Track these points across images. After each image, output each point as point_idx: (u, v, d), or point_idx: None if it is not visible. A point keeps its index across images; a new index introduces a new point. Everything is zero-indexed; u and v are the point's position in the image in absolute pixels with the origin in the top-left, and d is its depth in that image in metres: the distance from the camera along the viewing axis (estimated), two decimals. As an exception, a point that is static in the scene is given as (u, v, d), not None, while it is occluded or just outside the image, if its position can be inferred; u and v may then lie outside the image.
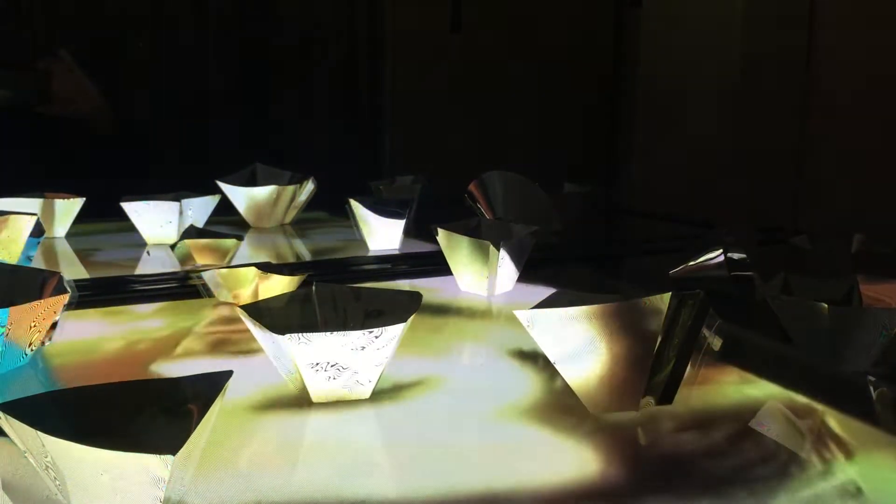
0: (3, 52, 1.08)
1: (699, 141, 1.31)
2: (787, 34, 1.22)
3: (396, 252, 0.92)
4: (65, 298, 0.53)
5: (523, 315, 0.47)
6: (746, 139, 1.24)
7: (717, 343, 0.62)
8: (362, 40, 1.38)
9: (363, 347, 0.48)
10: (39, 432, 0.35)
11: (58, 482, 0.36)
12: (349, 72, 1.39)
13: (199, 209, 0.97)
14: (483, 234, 0.74)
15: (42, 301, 0.52)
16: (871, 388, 0.54)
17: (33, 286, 0.56)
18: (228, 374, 0.40)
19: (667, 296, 0.46)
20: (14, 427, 0.36)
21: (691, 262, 0.75)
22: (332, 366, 0.48)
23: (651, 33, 1.43)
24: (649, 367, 0.47)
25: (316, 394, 0.49)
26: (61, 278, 0.56)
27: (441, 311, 0.71)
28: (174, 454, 0.33)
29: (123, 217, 0.94)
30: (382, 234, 0.91)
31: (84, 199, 0.98)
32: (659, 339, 0.47)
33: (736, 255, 0.73)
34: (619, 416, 0.48)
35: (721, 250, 0.71)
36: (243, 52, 1.29)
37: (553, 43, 1.43)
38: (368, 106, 1.39)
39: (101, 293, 0.72)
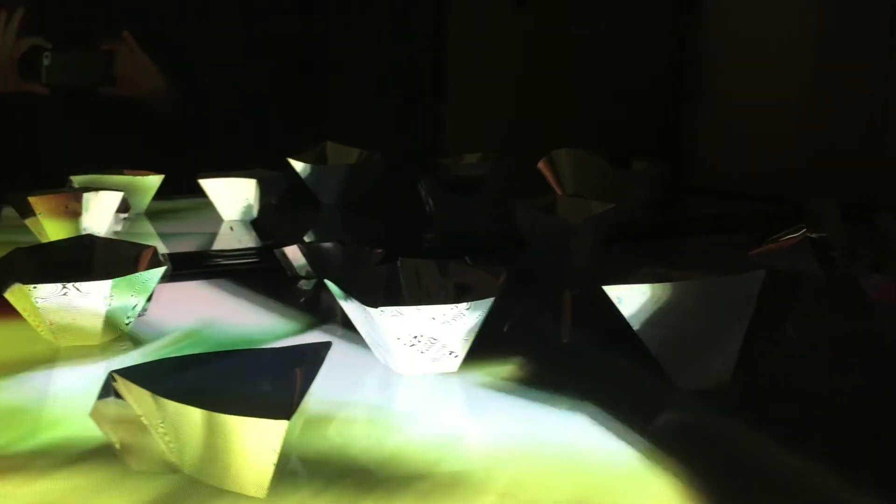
0: (68, 34, 1.10)
1: (770, 115, 1.29)
2: None
3: (469, 229, 0.92)
4: (161, 270, 0.55)
5: (613, 290, 0.47)
6: (821, 113, 1.21)
7: (795, 324, 0.61)
8: (426, 15, 1.38)
9: (453, 320, 0.49)
10: (156, 395, 0.36)
11: (172, 445, 0.37)
12: (414, 49, 1.39)
13: (272, 186, 0.98)
14: (560, 210, 0.74)
15: (141, 273, 0.54)
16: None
17: (129, 259, 0.58)
18: (328, 344, 0.42)
19: (760, 273, 0.46)
20: (130, 391, 0.37)
21: (772, 241, 0.74)
22: (421, 338, 0.49)
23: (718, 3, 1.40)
24: (739, 343, 0.47)
25: (405, 366, 0.50)
26: (156, 251, 0.58)
27: (521, 286, 0.71)
28: (288, 419, 0.34)
29: (198, 194, 0.96)
30: (455, 211, 0.91)
31: (163, 175, 1.00)
32: (750, 316, 0.46)
33: (819, 234, 0.71)
34: (706, 390, 0.48)
35: (804, 228, 0.70)
36: (303, 29, 1.30)
37: (618, 16, 1.41)
38: (430, 82, 1.40)
39: (186, 267, 0.74)
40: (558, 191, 1.02)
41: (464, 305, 0.48)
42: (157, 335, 0.57)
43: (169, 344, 0.56)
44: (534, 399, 0.47)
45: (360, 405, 0.47)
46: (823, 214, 0.83)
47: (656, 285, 0.46)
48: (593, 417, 0.45)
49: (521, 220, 0.74)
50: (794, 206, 1.07)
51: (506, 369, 0.51)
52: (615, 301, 0.47)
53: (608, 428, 0.43)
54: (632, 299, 0.47)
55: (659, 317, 0.46)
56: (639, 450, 0.41)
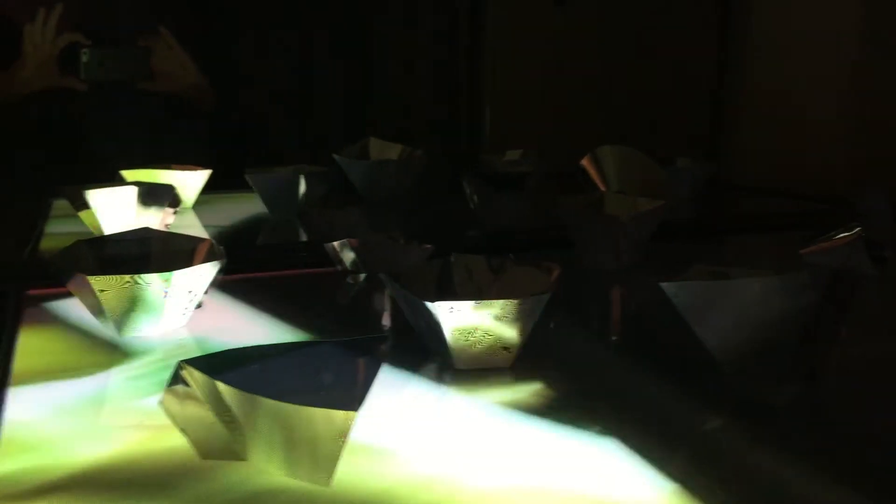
0: (106, 30, 1.12)
1: (816, 111, 1.27)
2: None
3: (513, 225, 0.92)
4: (218, 263, 0.56)
5: (670, 287, 0.47)
6: (868, 109, 1.19)
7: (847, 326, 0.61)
8: (464, 13, 1.38)
9: (508, 317, 0.49)
10: (224, 384, 0.37)
11: (238, 434, 0.38)
12: (452, 45, 1.40)
13: (317, 182, 0.99)
14: (607, 207, 0.74)
15: (199, 266, 0.55)
16: None
17: (186, 252, 0.59)
18: (385, 338, 0.42)
19: (821, 271, 0.45)
20: (198, 380, 0.38)
21: (824, 240, 0.73)
22: (476, 333, 0.49)
23: None
24: (798, 342, 0.47)
25: (460, 361, 0.50)
26: (212, 244, 0.59)
27: (571, 283, 0.71)
28: (357, 410, 0.34)
29: (244, 189, 0.97)
30: (500, 208, 0.92)
31: (211, 171, 1.01)
32: (810, 315, 0.46)
33: (870, 232, 0.70)
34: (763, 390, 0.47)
35: (858, 227, 0.69)
36: (347, 25, 1.31)
37: (657, 12, 1.40)
38: (469, 79, 1.40)
39: (236, 261, 0.75)
40: (602, 188, 1.02)
41: (520, 301, 0.49)
42: (212, 327, 0.58)
43: (224, 335, 0.57)
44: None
45: (412, 403, 0.47)
46: (874, 212, 0.82)
47: (716, 283, 0.46)
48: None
49: (568, 217, 0.74)
50: (841, 203, 1.06)
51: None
52: (671, 297, 0.47)
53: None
54: (688, 295, 0.47)
55: (718, 314, 0.46)
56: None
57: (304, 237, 0.83)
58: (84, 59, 1.07)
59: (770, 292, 0.45)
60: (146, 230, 0.61)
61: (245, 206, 1.00)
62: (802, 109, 1.29)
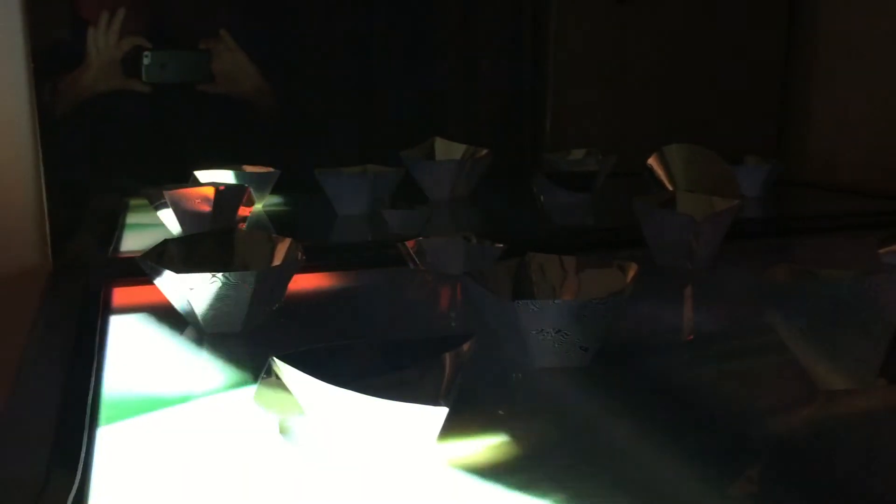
0: (168, 32, 1.15)
1: (887, 108, 1.23)
2: None
3: (583, 225, 0.92)
4: (299, 262, 0.57)
5: (762, 286, 0.47)
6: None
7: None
8: (527, 11, 1.38)
9: (587, 316, 0.49)
10: (315, 379, 0.38)
11: (327, 427, 0.39)
12: (514, 43, 1.40)
13: (385, 181, 1.01)
14: (681, 206, 0.74)
15: (282, 263, 0.56)
16: None
17: (268, 250, 0.61)
18: (473, 335, 0.43)
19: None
20: (289, 374, 0.39)
21: (903, 240, 0.71)
22: (556, 332, 0.49)
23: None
24: (886, 345, 0.46)
25: (538, 360, 0.51)
26: (293, 243, 0.60)
27: (646, 283, 0.71)
28: (449, 406, 0.35)
29: (312, 189, 0.99)
30: (569, 206, 0.92)
31: (280, 171, 1.03)
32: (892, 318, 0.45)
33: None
34: (849, 392, 0.47)
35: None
36: (408, 24, 1.32)
37: (722, 7, 1.38)
38: (531, 78, 1.40)
39: (311, 260, 0.76)
40: (669, 187, 1.01)
41: (599, 301, 0.49)
42: (294, 322, 0.59)
43: (305, 332, 0.58)
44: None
45: (497, 396, 0.48)
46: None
47: (809, 282, 0.45)
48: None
49: (642, 217, 0.73)
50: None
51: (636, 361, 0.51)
52: (761, 297, 0.47)
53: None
54: (780, 296, 0.46)
55: (805, 314, 0.45)
56: None
57: (375, 236, 0.84)
58: (146, 61, 1.10)
59: (859, 293, 0.44)
60: (229, 229, 0.63)
61: (313, 206, 1.02)
62: (872, 105, 1.26)
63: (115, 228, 0.93)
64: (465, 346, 0.42)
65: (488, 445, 0.41)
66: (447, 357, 0.41)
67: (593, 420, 0.45)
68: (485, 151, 1.11)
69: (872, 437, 0.44)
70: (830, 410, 0.46)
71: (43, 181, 0.83)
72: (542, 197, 0.93)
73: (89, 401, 0.46)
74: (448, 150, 1.14)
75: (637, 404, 0.47)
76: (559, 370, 0.50)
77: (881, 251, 0.72)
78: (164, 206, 0.82)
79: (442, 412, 0.35)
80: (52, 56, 1.10)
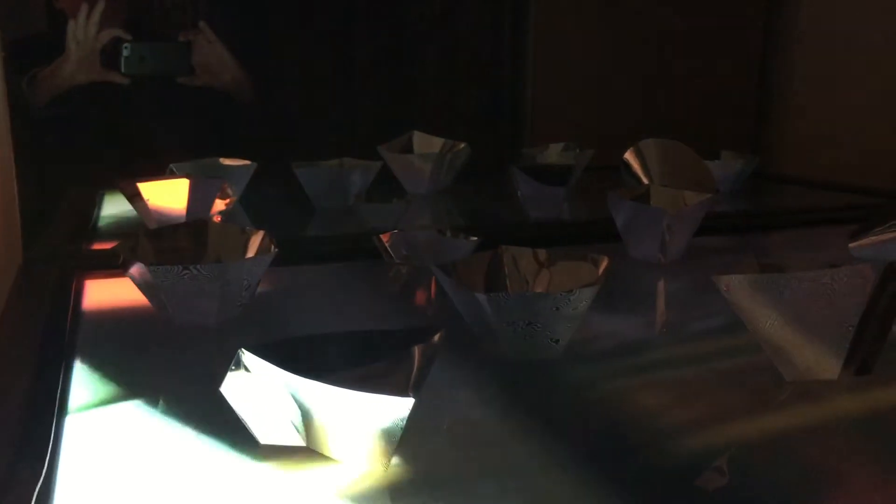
0: (148, 25, 1.14)
1: (863, 104, 1.25)
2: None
3: (558, 218, 0.93)
4: (272, 255, 0.57)
5: (722, 280, 0.47)
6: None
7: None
8: (507, 4, 1.38)
9: (557, 308, 0.49)
10: (283, 370, 0.38)
11: (296, 418, 0.39)
12: (494, 38, 1.40)
13: (362, 175, 1.00)
14: (654, 200, 0.74)
15: (254, 257, 0.56)
16: None
17: (241, 243, 0.61)
18: (439, 328, 0.43)
19: (874, 264, 0.45)
20: (258, 366, 0.39)
21: (872, 234, 0.72)
22: (527, 325, 0.50)
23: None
24: (850, 335, 0.47)
25: (510, 352, 0.51)
26: (266, 236, 0.60)
27: (618, 275, 0.72)
28: (416, 397, 0.35)
29: (290, 182, 0.98)
30: (545, 200, 0.92)
31: (257, 164, 1.03)
32: (862, 309, 0.46)
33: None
34: (816, 383, 0.47)
35: (909, 221, 0.68)
36: (387, 17, 1.31)
37: (702, 4, 1.39)
38: (512, 73, 1.40)
39: (285, 253, 0.76)
40: (645, 181, 1.01)
41: (570, 293, 0.49)
42: (266, 317, 0.59)
43: (277, 324, 0.58)
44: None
45: (469, 388, 0.48)
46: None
47: (770, 275, 0.46)
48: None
49: (615, 210, 0.74)
50: (890, 196, 1.05)
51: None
52: (722, 290, 0.47)
53: None
54: (741, 289, 0.47)
55: (770, 307, 0.46)
56: None
57: (351, 229, 0.84)
58: (125, 53, 1.09)
59: (822, 285, 0.45)
60: (202, 222, 0.63)
61: (290, 199, 1.02)
62: (848, 101, 1.27)
63: (88, 221, 0.92)
64: (435, 338, 0.42)
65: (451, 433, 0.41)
66: (417, 349, 0.41)
67: (565, 414, 0.46)
68: (463, 145, 1.12)
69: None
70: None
71: (14, 173, 0.82)
72: (519, 191, 0.93)
73: (58, 394, 0.46)
74: (426, 143, 1.14)
75: (611, 395, 0.47)
76: (531, 362, 0.51)
77: (851, 245, 0.73)
78: (139, 198, 0.82)
79: (408, 403, 0.35)
80: (27, 47, 1.09)
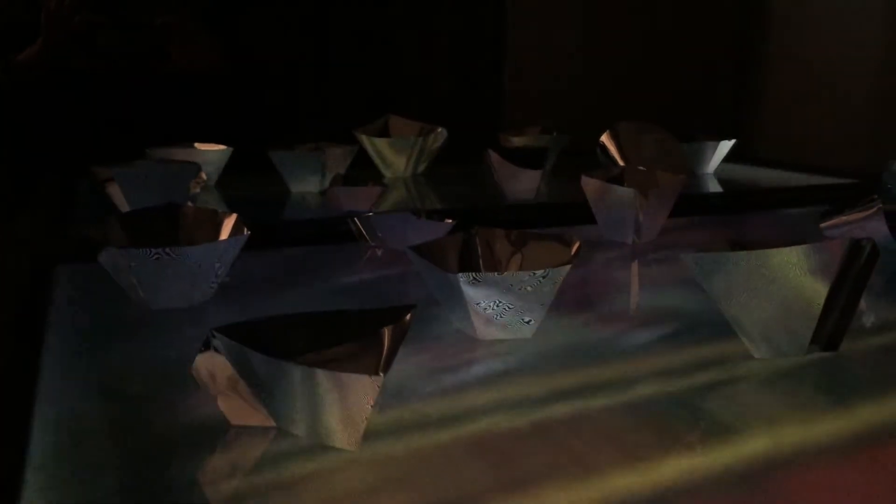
0: (122, 10, 1.13)
1: (841, 87, 1.26)
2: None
3: (534, 201, 0.93)
4: (244, 237, 0.57)
5: (691, 258, 0.48)
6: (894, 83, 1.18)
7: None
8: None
9: (529, 289, 0.50)
10: (252, 352, 0.38)
11: (267, 399, 0.39)
12: (474, 22, 1.40)
13: (339, 159, 1.00)
14: (628, 181, 0.75)
15: (226, 239, 0.56)
16: None
17: (213, 226, 0.60)
18: (413, 307, 0.43)
19: (840, 242, 0.46)
20: (228, 347, 0.39)
21: (843, 213, 0.73)
22: (499, 305, 0.50)
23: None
24: (818, 313, 0.47)
25: (482, 331, 0.51)
26: (238, 219, 0.60)
27: (591, 256, 0.72)
28: (384, 374, 0.35)
29: (266, 167, 0.98)
30: (520, 183, 0.92)
31: (233, 148, 1.02)
32: (829, 286, 0.46)
33: (893, 206, 0.70)
34: (784, 360, 0.48)
35: (877, 200, 0.69)
36: (365, 1, 1.31)
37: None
38: (490, 57, 1.40)
39: (260, 236, 0.76)
40: (621, 163, 1.02)
41: (541, 273, 0.49)
42: (239, 299, 0.59)
43: (250, 307, 0.58)
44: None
45: (438, 368, 0.48)
46: (896, 186, 0.82)
47: (736, 253, 0.46)
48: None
49: (589, 191, 0.74)
50: (865, 177, 1.06)
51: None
52: (692, 269, 0.48)
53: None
54: (709, 267, 0.47)
55: (738, 285, 0.47)
56: None
57: (326, 213, 0.84)
58: (100, 38, 1.08)
59: (789, 263, 0.45)
60: (173, 205, 0.63)
61: (267, 183, 1.01)
62: (827, 84, 1.28)
63: (62, 206, 0.91)
64: (406, 319, 0.42)
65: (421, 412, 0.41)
66: (387, 330, 0.41)
67: (534, 392, 0.46)
68: (440, 129, 1.12)
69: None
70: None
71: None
72: (495, 172, 0.93)
73: (31, 377, 0.46)
74: (402, 127, 1.14)
75: (581, 373, 0.47)
76: (502, 342, 0.51)
77: (822, 225, 0.74)
78: (113, 183, 0.81)
79: (377, 381, 0.35)
80: (1, 32, 1.07)
